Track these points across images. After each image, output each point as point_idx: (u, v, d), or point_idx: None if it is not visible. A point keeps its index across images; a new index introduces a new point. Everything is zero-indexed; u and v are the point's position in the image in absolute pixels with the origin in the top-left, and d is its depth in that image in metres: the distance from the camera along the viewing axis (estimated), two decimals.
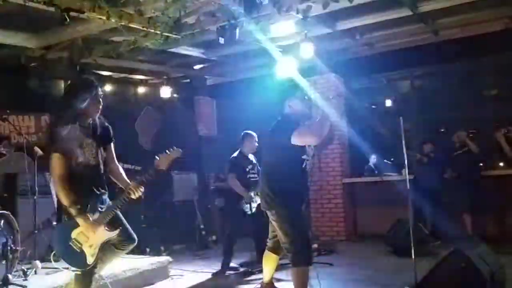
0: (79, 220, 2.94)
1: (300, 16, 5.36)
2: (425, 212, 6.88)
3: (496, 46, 6.78)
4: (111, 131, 3.33)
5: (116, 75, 8.50)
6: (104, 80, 8.38)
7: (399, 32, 7.10)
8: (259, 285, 4.11)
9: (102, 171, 3.19)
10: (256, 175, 5.85)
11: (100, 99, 3.18)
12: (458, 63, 7.62)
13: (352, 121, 8.26)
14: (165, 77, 8.87)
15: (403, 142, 4.72)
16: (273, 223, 3.56)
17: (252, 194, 5.69)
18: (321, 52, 7.49)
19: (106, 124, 3.31)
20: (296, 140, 3.38)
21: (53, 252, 3.40)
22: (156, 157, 3.13)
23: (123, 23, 4.86)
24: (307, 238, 3.48)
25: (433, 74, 8.45)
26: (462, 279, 3.47)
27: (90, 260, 2.99)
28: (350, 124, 8.23)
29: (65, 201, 2.95)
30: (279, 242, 3.57)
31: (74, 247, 2.95)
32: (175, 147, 3.17)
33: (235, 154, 5.99)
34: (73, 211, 2.93)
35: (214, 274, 5.51)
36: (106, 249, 3.11)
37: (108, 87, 8.44)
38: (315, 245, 6.78)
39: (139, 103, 8.77)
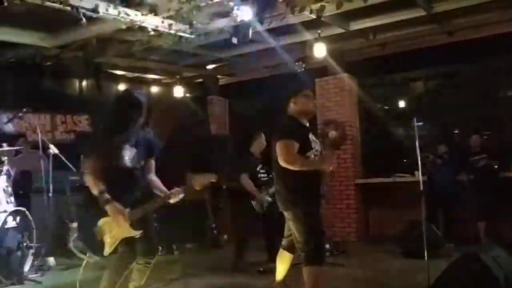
0: (109, 208, 3.01)
1: (313, 16, 5.35)
2: (439, 214, 6.82)
3: (511, 46, 6.69)
4: (155, 146, 3.42)
5: (129, 74, 8.58)
6: (117, 79, 8.48)
7: (413, 33, 7.05)
8: (272, 285, 4.11)
9: (139, 175, 3.28)
10: (266, 175, 5.86)
11: (143, 115, 3.26)
12: (472, 63, 7.53)
13: (365, 121, 8.23)
14: (178, 76, 8.93)
15: (417, 143, 4.69)
16: (289, 222, 3.57)
17: (263, 194, 5.70)
18: (334, 52, 7.49)
19: (152, 138, 3.41)
20: (276, 149, 3.45)
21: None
22: (195, 177, 3.29)
23: (137, 23, 4.91)
24: (321, 238, 3.47)
25: (447, 75, 8.35)
26: (475, 282, 3.43)
27: (107, 251, 3.07)
28: (363, 125, 8.20)
29: (95, 190, 3.03)
30: (293, 241, 3.58)
31: (97, 234, 3.05)
32: (212, 174, 3.36)
33: (246, 154, 6.00)
34: (103, 198, 3.00)
35: (225, 273, 5.52)
36: (128, 247, 3.16)
37: (121, 86, 8.53)
38: (327, 246, 6.77)
39: (152, 102, 8.83)
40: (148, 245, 3.28)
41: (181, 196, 3.25)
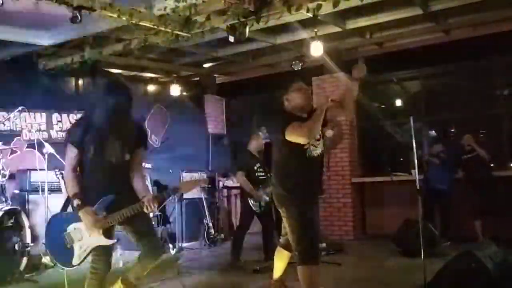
0: (80, 214, 2.79)
1: (310, 14, 5.34)
2: (435, 213, 6.83)
3: (508, 45, 6.71)
4: (145, 137, 3.19)
5: (126, 73, 8.55)
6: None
7: (409, 31, 7.07)
8: (269, 283, 4.10)
9: (124, 173, 3.01)
10: (264, 173, 5.86)
11: (130, 103, 2.97)
12: (469, 62, 7.55)
13: (362, 120, 8.23)
14: (174, 75, 8.91)
15: (413, 142, 4.69)
16: (284, 220, 3.57)
17: (261, 192, 5.70)
18: (331, 51, 7.49)
19: (142, 128, 3.19)
20: (288, 136, 3.34)
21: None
22: (182, 179, 3.14)
23: (133, 21, 4.89)
24: (314, 237, 3.47)
25: (443, 73, 8.38)
26: (472, 280, 3.44)
27: (76, 261, 2.84)
28: (360, 124, 8.20)
29: (69, 191, 2.86)
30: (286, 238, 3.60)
31: (65, 241, 2.82)
32: (204, 176, 3.19)
33: (243, 152, 6.00)
34: (75, 202, 2.81)
35: (222, 272, 5.52)
36: (100, 255, 2.93)
37: None
38: (324, 245, 6.78)
39: (149, 101, 8.82)
40: (153, 247, 3.06)
41: (155, 205, 2.92)
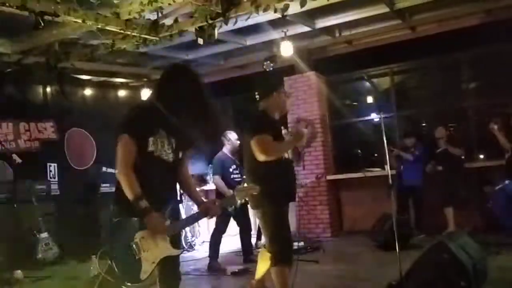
0: (148, 219, 2.36)
1: (278, 15, 5.35)
2: (409, 207, 6.95)
3: (473, 40, 6.87)
4: (193, 137, 2.76)
5: (96, 78, 8.41)
6: (83, 84, 8.30)
7: (377, 29, 7.17)
8: (250, 284, 4.09)
9: (176, 175, 2.67)
10: (240, 175, 5.84)
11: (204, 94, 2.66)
12: (436, 58, 7.71)
13: (334, 118, 8.30)
14: (145, 79, 8.81)
15: (384, 137, 4.75)
16: (259, 221, 3.57)
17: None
18: (301, 51, 7.53)
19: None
20: (252, 146, 3.36)
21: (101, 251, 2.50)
22: (237, 188, 2.87)
23: (99, 26, 4.80)
24: (287, 238, 3.49)
25: (412, 69, 8.54)
26: (445, 270, 3.50)
27: (143, 275, 2.39)
28: (332, 122, 8.27)
29: (131, 192, 2.36)
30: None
31: (134, 251, 2.37)
32: (255, 186, 2.93)
33: (218, 155, 5.97)
34: (141, 205, 2.34)
35: (200, 275, 5.48)
36: (164, 271, 2.57)
37: (88, 91, 8.35)
38: (301, 243, 6.81)
39: (120, 107, 8.69)
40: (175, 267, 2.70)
41: (219, 211, 2.72)
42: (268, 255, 3.76)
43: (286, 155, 3.55)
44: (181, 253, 2.62)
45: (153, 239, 2.41)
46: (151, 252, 2.40)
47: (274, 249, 3.39)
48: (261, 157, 3.34)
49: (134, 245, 2.36)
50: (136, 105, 2.73)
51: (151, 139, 2.47)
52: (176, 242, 2.55)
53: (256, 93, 3.70)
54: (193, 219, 2.77)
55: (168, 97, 2.54)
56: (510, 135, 6.08)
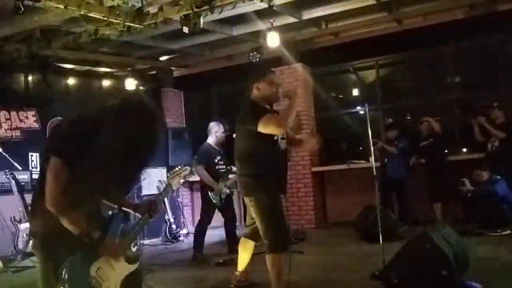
0: (104, 248, 2.25)
1: (264, 4, 5.32)
2: (393, 199, 7.01)
3: (458, 33, 6.93)
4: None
5: (79, 68, 8.28)
6: (66, 73, 8.16)
7: (364, 21, 7.18)
8: (234, 275, 4.07)
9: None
10: (224, 166, 5.81)
11: None
12: (421, 51, 7.75)
13: (319, 110, 8.31)
14: (130, 69, 8.69)
15: (369, 129, 4.77)
16: (251, 209, 3.53)
17: (221, 185, 5.65)
18: (288, 42, 7.50)
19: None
20: (261, 129, 3.32)
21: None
22: (168, 175, 2.77)
23: (82, 12, 4.71)
24: (284, 225, 3.51)
25: (397, 62, 8.58)
26: (427, 260, 3.53)
27: None
28: (317, 113, 8.28)
29: (76, 228, 2.18)
30: (257, 228, 3.54)
31: (95, 285, 2.26)
32: (183, 166, 2.83)
33: (204, 145, 5.93)
34: (94, 236, 2.21)
35: (184, 266, 5.46)
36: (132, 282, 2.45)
37: (71, 81, 8.21)
38: None
39: (104, 96, 8.57)
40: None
41: (159, 208, 2.61)
42: (250, 243, 3.80)
43: (283, 146, 3.54)
44: (138, 265, 2.49)
45: (109, 265, 2.31)
46: (111, 278, 2.31)
47: (269, 236, 3.38)
48: (280, 130, 3.37)
49: (93, 281, 2.26)
50: None
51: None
52: (131, 256, 2.43)
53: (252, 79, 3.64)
54: (140, 227, 2.57)
55: None
56: (493, 128, 6.19)
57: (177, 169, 2.81)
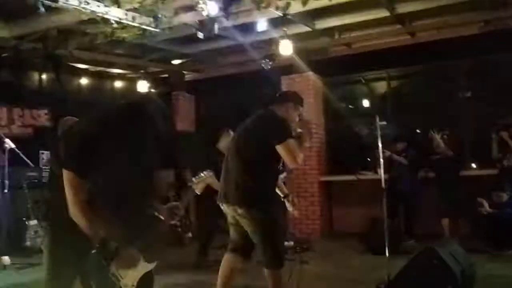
0: (119, 259, 2.26)
1: (279, 13, 5.35)
2: (400, 211, 6.96)
3: (471, 48, 6.91)
4: None
5: (92, 68, 8.36)
6: (79, 73, 8.25)
7: (377, 33, 7.19)
8: None
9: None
10: None
11: None
12: (433, 64, 7.74)
13: (330, 119, 8.32)
14: (142, 71, 8.77)
15: (379, 141, 4.77)
16: (248, 221, 3.35)
17: None
18: (300, 51, 7.52)
19: None
20: (280, 149, 3.31)
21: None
22: (194, 180, 2.68)
23: (99, 14, 4.77)
24: (281, 243, 3.52)
25: (409, 75, 8.57)
26: (433, 276, 3.52)
27: None
28: (327, 123, 8.28)
29: (87, 231, 2.21)
30: (245, 243, 3.44)
31: (114, 282, 2.30)
32: (208, 171, 2.72)
33: (212, 151, 5.94)
34: (108, 246, 2.23)
35: (188, 271, 5.46)
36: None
37: (84, 81, 8.30)
38: (291, 243, 6.81)
39: (116, 97, 8.66)
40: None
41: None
42: (238, 259, 3.56)
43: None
44: (155, 264, 2.46)
45: (127, 264, 2.30)
46: (128, 277, 2.33)
47: (274, 252, 3.31)
48: (292, 164, 3.39)
49: (112, 276, 2.29)
50: None
51: None
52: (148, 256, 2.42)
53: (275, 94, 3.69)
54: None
55: None
56: (503, 145, 6.14)
57: (202, 174, 2.74)
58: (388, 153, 6.90)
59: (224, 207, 3.48)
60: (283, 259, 3.44)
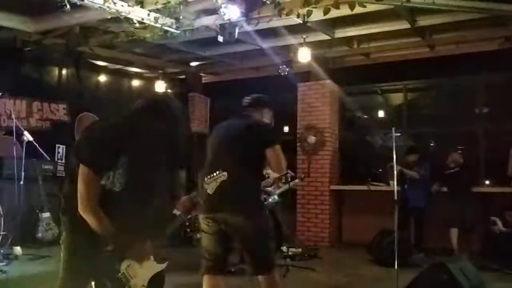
0: (131, 252, 2.29)
1: (300, 20, 5.38)
2: (410, 224, 6.92)
3: (490, 64, 6.86)
4: None
5: (111, 66, 8.47)
6: (98, 70, 8.37)
7: (396, 44, 7.17)
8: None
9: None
10: None
11: None
12: (451, 78, 7.70)
13: (344, 128, 8.31)
14: (160, 71, 8.86)
15: (394, 153, 4.75)
16: (245, 230, 3.07)
17: None
18: (318, 58, 7.55)
19: None
20: (269, 152, 3.10)
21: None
22: (206, 180, 2.66)
23: (123, 14, 4.84)
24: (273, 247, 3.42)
25: (426, 88, 8.54)
26: None
27: None
28: (342, 132, 8.28)
29: (98, 229, 2.22)
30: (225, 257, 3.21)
31: (123, 282, 2.31)
32: (220, 171, 2.67)
33: None
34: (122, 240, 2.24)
35: (197, 272, 5.47)
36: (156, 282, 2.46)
37: (102, 78, 8.41)
38: (299, 250, 6.80)
39: (133, 96, 8.75)
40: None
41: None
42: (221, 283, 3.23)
43: None
44: (166, 265, 2.47)
45: (138, 264, 2.33)
46: (138, 276, 2.34)
47: (272, 256, 3.23)
48: (280, 169, 3.19)
49: (122, 277, 2.30)
50: None
51: None
52: (159, 256, 2.44)
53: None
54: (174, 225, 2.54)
55: None
56: None
57: (215, 174, 2.73)
58: (399, 167, 6.85)
59: (214, 215, 3.14)
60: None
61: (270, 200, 5.41)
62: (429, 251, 6.43)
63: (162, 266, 2.47)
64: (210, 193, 2.62)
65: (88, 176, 2.16)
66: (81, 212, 2.17)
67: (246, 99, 3.54)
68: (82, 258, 2.30)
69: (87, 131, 2.40)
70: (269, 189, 6.06)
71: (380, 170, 8.29)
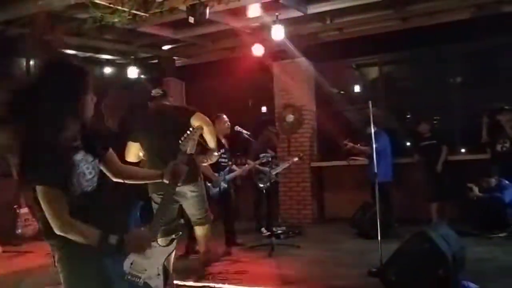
0: (127, 247, 2.08)
1: None
2: (391, 196, 6.99)
3: (463, 34, 6.91)
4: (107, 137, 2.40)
5: (81, 54, 8.22)
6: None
7: (369, 18, 7.14)
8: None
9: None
10: (227, 160, 5.79)
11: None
12: (425, 50, 7.74)
13: (321, 105, 8.30)
14: (132, 57, 8.66)
15: (372, 126, 4.78)
16: (192, 195, 4.12)
17: (221, 178, 5.65)
18: (292, 36, 7.47)
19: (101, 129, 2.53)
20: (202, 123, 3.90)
21: None
22: (180, 142, 2.41)
23: None
24: None
25: (401, 60, 8.57)
26: (425, 259, 3.56)
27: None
28: (319, 109, 8.27)
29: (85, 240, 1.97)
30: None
31: (135, 282, 2.18)
32: (193, 129, 2.47)
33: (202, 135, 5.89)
34: (111, 241, 2.00)
35: (178, 258, 5.46)
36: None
37: None
38: (283, 228, 6.85)
39: (106, 84, 8.55)
40: None
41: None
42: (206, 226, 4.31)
43: None
44: (174, 246, 2.35)
45: (141, 257, 2.18)
46: (149, 267, 2.23)
47: (208, 212, 4.30)
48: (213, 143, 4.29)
49: (130, 278, 2.18)
50: None
51: None
52: (164, 239, 2.35)
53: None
54: (168, 201, 2.39)
55: None
56: (495, 130, 6.20)
57: (188, 132, 2.47)
58: (350, 145, 6.89)
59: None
60: None
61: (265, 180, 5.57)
62: (412, 221, 6.52)
63: (170, 249, 2.32)
64: (192, 152, 2.45)
65: (44, 194, 1.92)
66: (58, 233, 1.96)
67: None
68: (84, 276, 2.08)
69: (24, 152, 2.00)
70: (266, 169, 6.11)
71: (359, 144, 8.29)
